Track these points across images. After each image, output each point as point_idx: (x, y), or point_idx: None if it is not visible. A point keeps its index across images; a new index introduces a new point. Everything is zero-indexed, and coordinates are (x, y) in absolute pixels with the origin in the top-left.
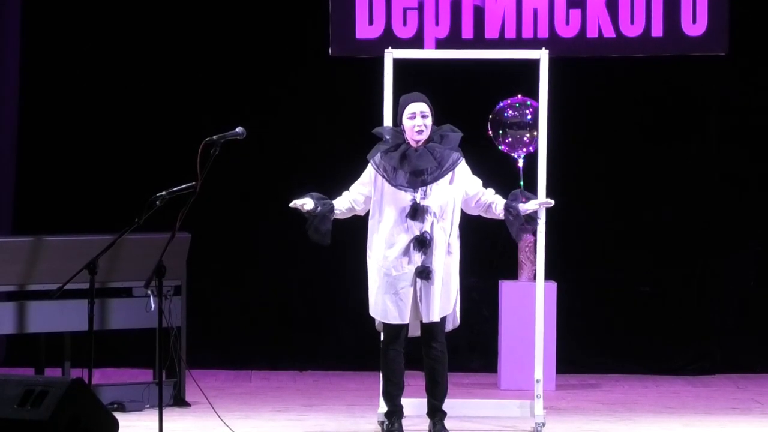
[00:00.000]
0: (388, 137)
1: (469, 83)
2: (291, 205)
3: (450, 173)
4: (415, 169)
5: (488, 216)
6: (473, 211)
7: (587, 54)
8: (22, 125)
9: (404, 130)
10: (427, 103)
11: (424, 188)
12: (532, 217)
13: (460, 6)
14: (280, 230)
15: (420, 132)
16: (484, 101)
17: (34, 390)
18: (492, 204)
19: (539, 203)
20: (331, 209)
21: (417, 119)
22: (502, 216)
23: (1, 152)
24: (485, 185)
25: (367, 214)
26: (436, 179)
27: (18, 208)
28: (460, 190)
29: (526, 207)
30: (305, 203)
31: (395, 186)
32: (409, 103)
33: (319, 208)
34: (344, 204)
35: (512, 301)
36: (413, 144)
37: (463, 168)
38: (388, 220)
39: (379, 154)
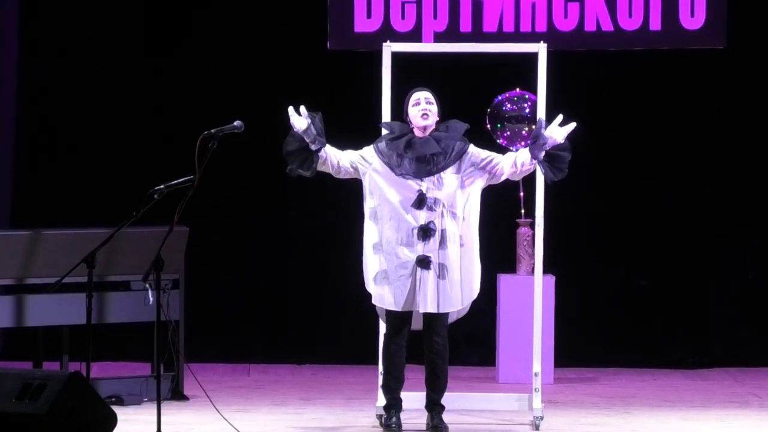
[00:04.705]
0: (395, 129)
1: (467, 77)
2: (290, 111)
3: (457, 162)
4: (419, 155)
5: (523, 171)
6: (510, 177)
7: (585, 48)
8: (20, 118)
9: (410, 121)
10: (432, 93)
11: (431, 178)
12: (554, 156)
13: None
14: (279, 224)
15: (425, 116)
16: (482, 95)
17: (32, 383)
18: (515, 159)
19: (564, 130)
20: (322, 148)
21: (422, 104)
22: (531, 165)
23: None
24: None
25: (361, 199)
26: (442, 168)
27: (16, 202)
28: (472, 179)
29: (552, 135)
30: (302, 123)
31: (400, 175)
32: (414, 92)
33: (312, 137)
34: (334, 156)
35: (510, 294)
36: (419, 133)
37: (473, 153)
38: (392, 209)
39: (384, 142)
